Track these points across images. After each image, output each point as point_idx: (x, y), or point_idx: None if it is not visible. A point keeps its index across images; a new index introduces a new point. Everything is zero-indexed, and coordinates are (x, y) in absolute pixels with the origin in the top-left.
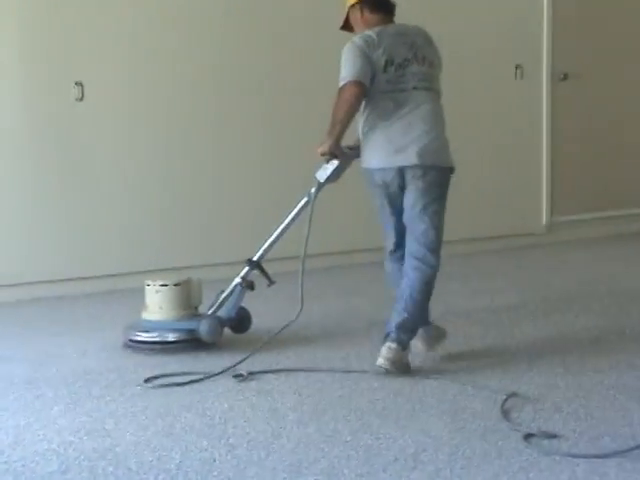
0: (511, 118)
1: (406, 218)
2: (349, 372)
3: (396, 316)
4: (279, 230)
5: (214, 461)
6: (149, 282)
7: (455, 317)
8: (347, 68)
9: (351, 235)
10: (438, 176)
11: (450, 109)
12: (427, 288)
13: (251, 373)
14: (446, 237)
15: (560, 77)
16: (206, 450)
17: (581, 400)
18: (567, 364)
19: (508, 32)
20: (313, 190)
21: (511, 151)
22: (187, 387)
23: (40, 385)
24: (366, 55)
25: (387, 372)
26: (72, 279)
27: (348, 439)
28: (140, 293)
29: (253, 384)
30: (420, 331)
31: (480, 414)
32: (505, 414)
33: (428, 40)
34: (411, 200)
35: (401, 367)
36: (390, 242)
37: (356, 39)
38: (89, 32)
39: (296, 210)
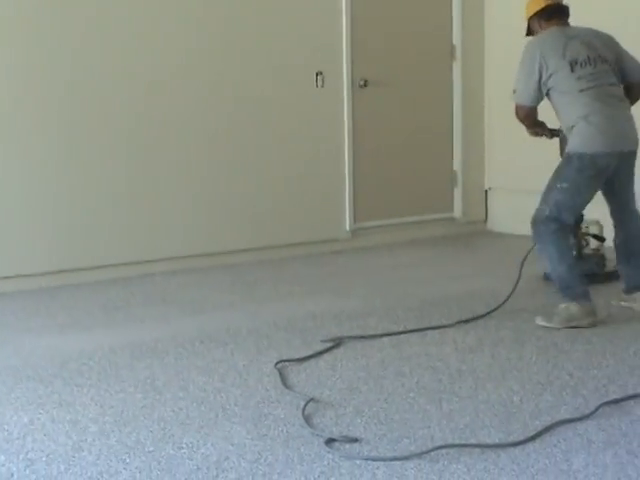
0: (313, 125)
1: (620, 198)
2: (154, 381)
3: None
4: None
5: (12, 476)
6: None
7: (262, 324)
8: (520, 82)
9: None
10: (634, 159)
11: (252, 117)
12: None
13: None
14: (255, 244)
15: (360, 84)
16: (3, 465)
17: (382, 404)
18: (369, 368)
19: (308, 39)
20: None
21: (314, 158)
22: None
23: None
24: (541, 63)
25: None
26: None
27: (150, 449)
28: None
29: (55, 397)
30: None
31: (283, 420)
32: (307, 420)
33: (602, 38)
34: (625, 182)
35: None
36: (571, 217)
37: (535, 41)
38: None
39: None
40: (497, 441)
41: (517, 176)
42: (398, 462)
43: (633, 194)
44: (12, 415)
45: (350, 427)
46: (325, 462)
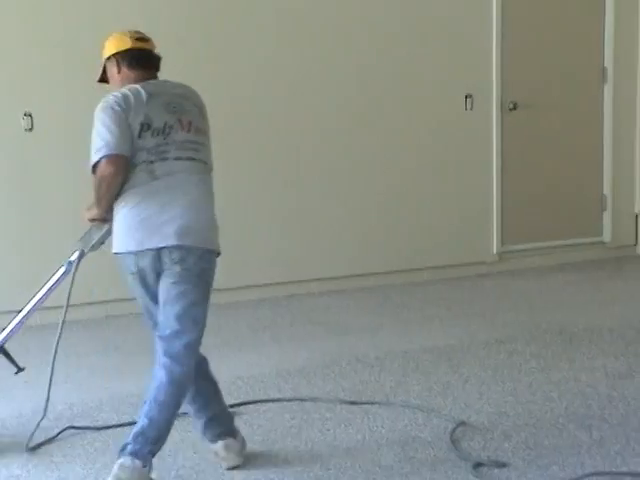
0: (461, 148)
1: (160, 307)
2: (301, 401)
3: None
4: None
5: None
6: None
7: (409, 344)
8: (101, 137)
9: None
10: (199, 260)
11: (401, 139)
12: (176, 391)
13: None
14: (401, 266)
15: (509, 107)
16: None
17: (531, 429)
18: (517, 393)
19: (458, 61)
20: (73, 259)
21: (462, 181)
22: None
23: None
24: (122, 118)
25: None
26: None
27: (298, 470)
28: None
29: None
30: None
31: (430, 443)
32: (455, 443)
33: (196, 103)
34: (166, 286)
35: None
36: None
37: (110, 97)
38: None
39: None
40: None
41: None
42: None
43: (179, 321)
44: None
45: (498, 452)
46: None
